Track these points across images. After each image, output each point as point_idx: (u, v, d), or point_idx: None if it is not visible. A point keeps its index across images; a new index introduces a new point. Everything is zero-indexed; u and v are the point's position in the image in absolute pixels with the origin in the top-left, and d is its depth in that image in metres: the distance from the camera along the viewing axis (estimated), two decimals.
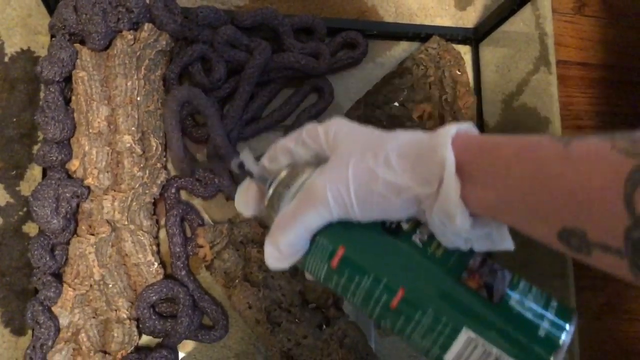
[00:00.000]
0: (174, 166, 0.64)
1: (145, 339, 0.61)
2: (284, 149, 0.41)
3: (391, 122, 0.65)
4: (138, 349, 0.60)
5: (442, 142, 0.35)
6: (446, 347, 0.36)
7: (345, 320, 0.60)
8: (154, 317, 0.59)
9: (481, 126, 0.73)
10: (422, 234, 0.38)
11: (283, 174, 0.40)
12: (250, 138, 0.66)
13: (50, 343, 0.56)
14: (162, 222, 0.63)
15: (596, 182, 0.29)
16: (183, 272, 0.61)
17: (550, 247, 0.33)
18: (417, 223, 0.39)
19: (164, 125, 0.62)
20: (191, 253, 0.62)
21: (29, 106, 0.62)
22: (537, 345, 0.35)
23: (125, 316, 0.58)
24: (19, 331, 0.59)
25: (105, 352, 0.58)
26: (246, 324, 0.62)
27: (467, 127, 0.37)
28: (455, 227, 0.35)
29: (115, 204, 0.59)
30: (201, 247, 0.61)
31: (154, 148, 0.61)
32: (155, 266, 0.60)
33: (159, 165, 0.62)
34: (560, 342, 0.35)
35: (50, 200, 0.57)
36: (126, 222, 0.59)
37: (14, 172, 0.61)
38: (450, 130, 0.36)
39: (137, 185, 0.60)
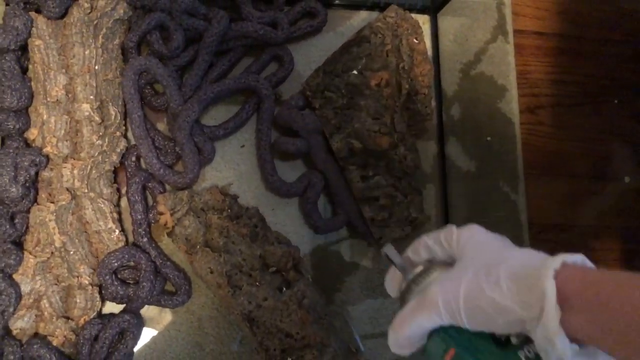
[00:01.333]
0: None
1: (109, 306, 0.62)
2: (425, 245, 0.47)
3: (349, 90, 0.66)
4: (101, 315, 0.61)
5: (544, 274, 0.38)
6: None
7: (304, 282, 0.61)
8: (115, 283, 0.60)
9: (439, 94, 0.75)
10: (529, 351, 0.40)
11: (417, 270, 0.45)
12: (211, 106, 0.67)
13: (11, 310, 0.56)
14: (124, 190, 0.64)
15: None
16: (145, 239, 0.62)
17: None
18: (526, 339, 0.41)
19: (123, 94, 0.63)
20: (153, 221, 0.63)
21: None
22: None
23: (87, 282, 0.59)
24: None
25: (67, 318, 0.58)
26: (209, 289, 0.63)
27: (579, 258, 0.40)
28: (557, 351, 0.37)
29: (75, 172, 0.59)
30: (162, 214, 0.62)
31: (113, 116, 0.61)
32: (117, 233, 0.61)
33: (118, 133, 0.62)
34: None
35: (8, 169, 0.57)
36: (86, 190, 0.60)
37: None
38: (555, 261, 0.38)
39: (97, 154, 0.60)
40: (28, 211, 0.59)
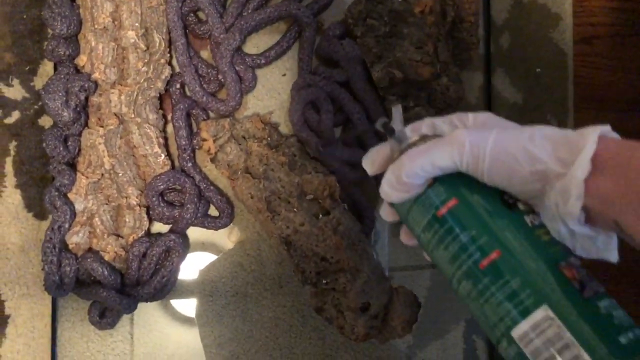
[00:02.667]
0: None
1: (156, 226, 0.66)
2: (430, 123, 0.43)
3: (392, 17, 0.65)
4: (149, 234, 0.65)
5: (590, 132, 0.37)
6: (518, 320, 0.36)
7: (340, 210, 0.63)
8: (162, 204, 0.63)
9: (488, 23, 0.72)
10: (534, 219, 0.39)
11: (417, 137, 0.42)
12: (252, 34, 0.67)
13: (67, 225, 0.61)
14: (169, 117, 0.66)
15: None
16: (189, 164, 0.64)
17: None
18: (531, 210, 0.40)
19: (167, 22, 0.64)
20: (196, 147, 0.65)
21: (36, 2, 0.64)
22: (614, 348, 0.34)
23: (135, 203, 0.62)
24: (40, 215, 0.64)
25: (118, 236, 0.63)
26: (250, 213, 0.66)
27: (608, 130, 0.38)
28: (568, 208, 0.36)
29: (122, 97, 0.62)
30: (205, 140, 0.64)
31: (158, 44, 0.63)
32: (162, 157, 0.63)
33: (162, 61, 0.63)
34: (633, 357, 0.34)
35: (60, 94, 0.60)
36: (133, 116, 0.62)
37: (28, 67, 0.64)
38: (596, 129, 0.37)
39: (142, 80, 0.62)
40: (79, 134, 0.62)
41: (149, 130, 0.63)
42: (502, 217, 0.39)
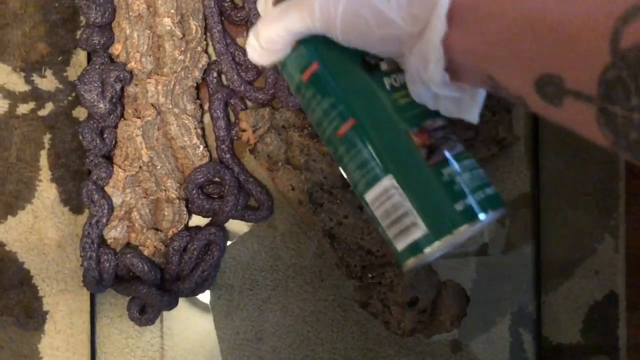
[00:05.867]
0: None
1: (195, 219, 0.64)
2: None
3: None
4: (188, 228, 0.63)
5: None
6: (368, 188, 0.38)
7: None
8: (201, 197, 0.61)
9: None
10: (395, 80, 0.39)
11: None
12: None
13: (104, 220, 0.59)
14: (206, 107, 0.64)
15: (585, 19, 0.28)
16: (228, 155, 0.62)
17: (523, 102, 0.33)
18: (396, 68, 0.39)
19: (203, 8, 0.61)
20: (235, 137, 0.63)
21: None
22: (446, 215, 0.36)
23: (174, 196, 0.61)
24: (76, 210, 0.63)
25: (157, 230, 0.61)
26: (290, 205, 0.64)
27: None
28: (428, 74, 0.34)
29: (159, 87, 0.60)
30: (244, 131, 0.62)
31: (194, 31, 0.61)
32: (201, 149, 0.61)
33: (199, 48, 0.61)
34: (466, 223, 0.36)
35: (96, 85, 0.58)
36: (170, 106, 0.60)
37: (60, 57, 0.62)
38: None
39: (179, 69, 0.60)
40: (116, 126, 0.61)
41: (187, 121, 0.61)
42: (360, 82, 0.39)
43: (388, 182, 0.37)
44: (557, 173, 0.69)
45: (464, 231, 0.36)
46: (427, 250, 0.37)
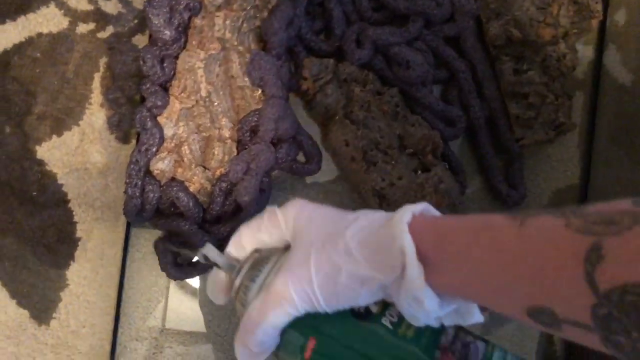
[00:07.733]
0: None
1: None
2: (248, 235, 0.42)
3: None
4: None
5: (399, 231, 0.35)
6: None
7: (442, 168, 0.59)
8: (254, 141, 0.60)
9: None
10: (391, 315, 0.39)
11: (248, 264, 0.41)
12: None
13: (154, 149, 0.58)
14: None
15: (556, 262, 0.29)
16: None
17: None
18: (385, 304, 0.39)
19: None
20: (294, 86, 0.62)
21: None
22: None
23: (227, 135, 0.59)
24: (123, 139, 0.61)
25: (205, 167, 0.59)
26: (340, 162, 0.62)
27: (423, 207, 0.37)
28: (425, 309, 0.35)
29: (227, 22, 0.58)
30: (305, 79, 0.60)
31: None
32: (259, 92, 0.60)
33: None
34: None
35: (164, 10, 0.56)
36: (235, 43, 0.59)
37: None
38: (405, 215, 0.36)
39: (249, 7, 0.59)
40: (177, 57, 0.59)
41: None
42: (364, 333, 0.38)
43: None
44: (609, 170, 0.67)
45: None
46: None
